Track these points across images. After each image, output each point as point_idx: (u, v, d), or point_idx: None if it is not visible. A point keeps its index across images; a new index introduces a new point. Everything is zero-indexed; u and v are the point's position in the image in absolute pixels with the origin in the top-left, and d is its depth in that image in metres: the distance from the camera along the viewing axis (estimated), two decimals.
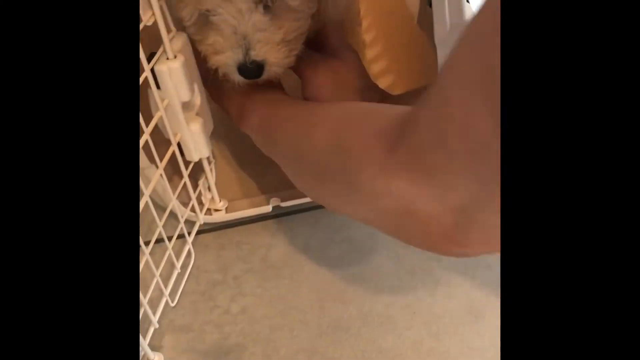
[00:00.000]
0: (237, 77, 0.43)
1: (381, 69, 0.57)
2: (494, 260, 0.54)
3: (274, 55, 0.42)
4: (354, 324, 0.51)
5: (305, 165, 0.40)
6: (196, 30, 0.44)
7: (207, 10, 0.41)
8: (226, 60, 0.43)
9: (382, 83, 0.53)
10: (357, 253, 0.56)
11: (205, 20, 0.42)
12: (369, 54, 0.57)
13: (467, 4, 0.43)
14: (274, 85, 0.48)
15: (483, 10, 0.23)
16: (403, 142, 0.29)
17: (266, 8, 0.42)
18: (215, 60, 0.43)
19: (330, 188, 0.37)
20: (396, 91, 0.53)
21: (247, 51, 0.42)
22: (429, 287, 0.53)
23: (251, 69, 0.42)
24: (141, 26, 0.40)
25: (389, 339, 0.50)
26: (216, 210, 0.56)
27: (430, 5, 0.44)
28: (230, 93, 0.48)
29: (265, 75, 0.43)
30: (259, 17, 0.41)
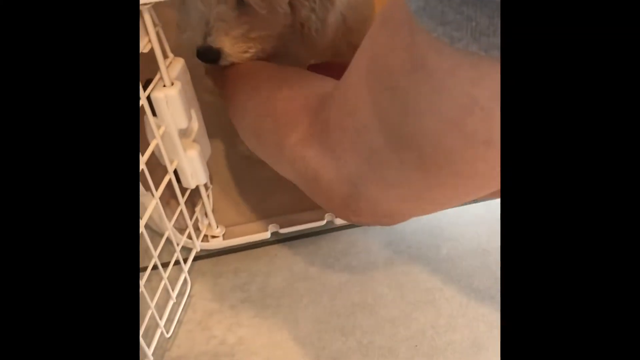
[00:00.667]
0: (195, 58, 0.47)
1: None
2: (497, 291, 0.53)
3: (231, 46, 0.46)
4: (353, 356, 0.49)
5: (247, 122, 0.44)
6: (177, 7, 0.47)
7: None
8: (187, 39, 0.46)
9: None
10: (357, 282, 0.55)
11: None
12: None
13: None
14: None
15: (379, 13, 0.27)
16: (319, 116, 0.34)
17: (240, 4, 0.44)
18: (180, 38, 0.47)
19: (265, 145, 0.41)
20: None
21: (205, 36, 0.45)
22: (430, 318, 0.52)
23: (205, 53, 0.46)
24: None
25: None
26: (213, 236, 0.55)
27: None
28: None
29: (221, 63, 0.47)
30: (224, 9, 0.44)
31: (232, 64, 0.48)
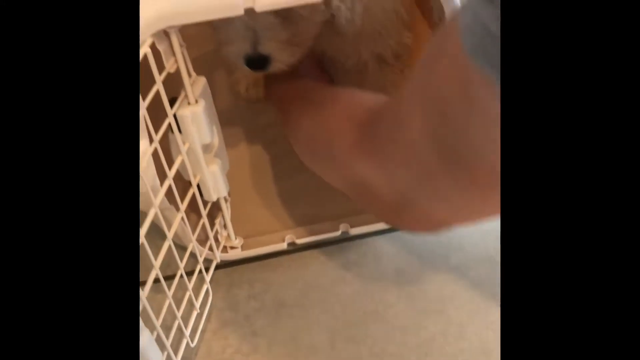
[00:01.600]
0: (244, 68, 0.48)
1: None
2: None
3: (279, 51, 0.48)
4: None
5: (301, 137, 0.47)
6: (215, 24, 0.47)
7: None
8: (235, 50, 0.48)
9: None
10: (369, 292, 0.56)
11: None
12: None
13: None
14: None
15: (432, 39, 0.29)
16: (369, 131, 0.36)
17: (283, 10, 0.46)
18: (226, 51, 0.48)
19: (317, 158, 0.45)
20: None
21: (255, 45, 0.47)
22: (440, 326, 0.53)
23: (257, 61, 0.48)
24: (164, 74, 0.41)
25: None
26: (232, 247, 0.57)
27: None
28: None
29: (270, 69, 0.49)
30: (270, 17, 0.46)
31: (286, 84, 0.51)
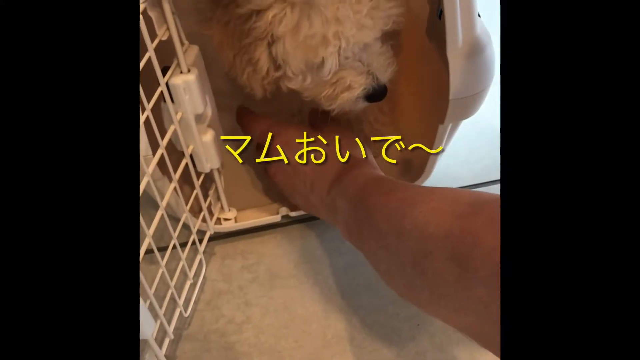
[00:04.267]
0: (361, 104, 0.47)
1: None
2: None
3: (387, 74, 0.47)
4: (358, 335, 0.52)
5: (402, 242, 0.37)
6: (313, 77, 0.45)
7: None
8: (358, 89, 0.46)
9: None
10: (362, 264, 0.57)
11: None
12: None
13: (479, 18, 0.44)
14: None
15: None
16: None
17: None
18: (343, 97, 0.46)
19: (432, 269, 0.34)
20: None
21: (374, 77, 0.46)
22: None
23: (380, 92, 0.46)
24: (156, 41, 0.40)
25: (393, 350, 0.51)
26: (226, 219, 0.57)
27: (440, 17, 0.44)
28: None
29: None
30: (377, 44, 0.45)
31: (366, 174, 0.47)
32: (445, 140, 0.51)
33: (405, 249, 0.36)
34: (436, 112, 0.48)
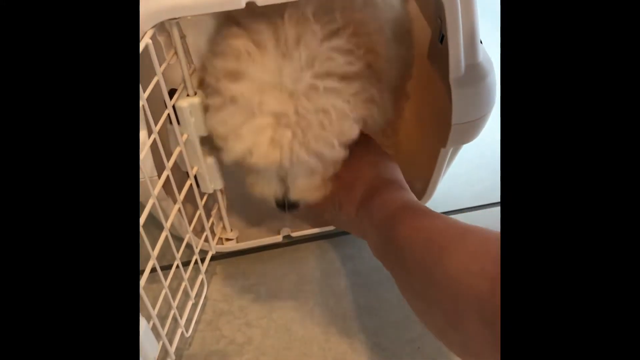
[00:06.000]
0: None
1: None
2: None
3: (309, 194, 0.49)
4: (358, 358, 0.51)
5: (433, 293, 0.36)
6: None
7: None
8: (265, 193, 0.49)
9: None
10: (363, 286, 0.57)
11: None
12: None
13: (481, 45, 0.45)
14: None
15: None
16: None
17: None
18: (253, 190, 0.49)
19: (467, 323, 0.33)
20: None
21: (285, 192, 0.49)
22: None
23: (289, 206, 0.49)
24: (164, 65, 0.41)
25: None
26: (227, 239, 0.57)
27: (441, 41, 0.45)
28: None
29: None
30: (302, 166, 0.45)
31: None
32: (446, 163, 0.52)
33: (436, 302, 0.36)
34: (438, 135, 0.49)
